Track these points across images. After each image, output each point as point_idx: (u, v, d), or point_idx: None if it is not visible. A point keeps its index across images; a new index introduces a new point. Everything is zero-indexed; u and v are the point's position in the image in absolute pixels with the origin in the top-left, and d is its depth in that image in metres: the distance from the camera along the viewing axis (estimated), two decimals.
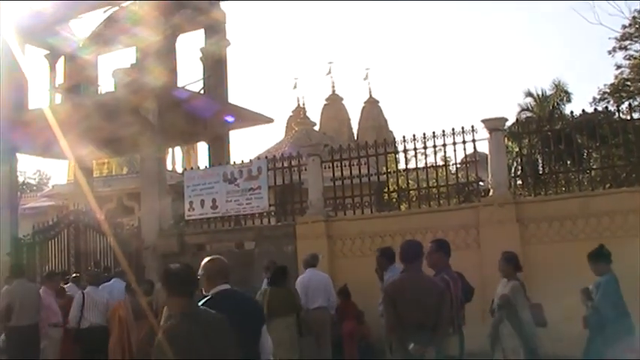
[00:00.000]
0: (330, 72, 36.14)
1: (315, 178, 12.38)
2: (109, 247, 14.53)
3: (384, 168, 12.56)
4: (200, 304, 4.33)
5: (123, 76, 15.54)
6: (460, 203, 11.88)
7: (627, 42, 24.60)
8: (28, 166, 70.44)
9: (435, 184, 12.11)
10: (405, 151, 12.06)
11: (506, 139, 12.53)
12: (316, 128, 33.70)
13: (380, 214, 12.37)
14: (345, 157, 12.45)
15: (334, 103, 35.78)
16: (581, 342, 7.06)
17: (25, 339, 9.06)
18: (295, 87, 37.02)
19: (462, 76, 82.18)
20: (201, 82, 17.05)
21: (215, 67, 17.33)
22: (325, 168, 12.63)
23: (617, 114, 11.66)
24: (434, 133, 11.68)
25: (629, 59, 24.69)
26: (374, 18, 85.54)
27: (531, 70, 74.48)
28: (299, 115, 34.51)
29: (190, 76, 19.34)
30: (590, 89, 63.11)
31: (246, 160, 13.62)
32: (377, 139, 14.01)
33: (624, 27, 24.19)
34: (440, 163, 13.38)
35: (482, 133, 11.17)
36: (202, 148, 23.22)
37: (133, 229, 15.20)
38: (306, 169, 12.68)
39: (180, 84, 15.86)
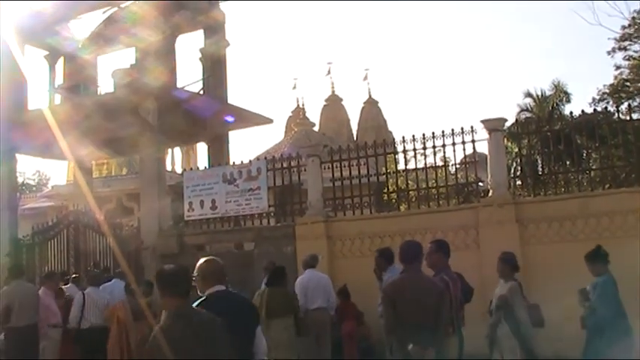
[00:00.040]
0: (329, 72, 36.20)
1: (314, 178, 12.38)
2: (108, 248, 14.54)
3: (384, 168, 12.56)
4: (195, 304, 4.35)
5: (122, 76, 15.54)
6: (459, 204, 11.89)
7: (626, 43, 24.64)
8: (28, 167, 70.48)
9: (435, 185, 12.11)
10: (405, 151, 12.06)
11: (505, 139, 12.53)
12: (316, 129, 33.72)
13: (379, 215, 12.36)
14: (345, 158, 12.45)
15: (334, 103, 35.79)
16: (581, 342, 7.06)
17: (23, 339, 9.05)
18: (295, 87, 37.02)
19: (461, 76, 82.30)
20: (201, 82, 17.05)
21: (214, 68, 17.33)
22: (325, 168, 12.63)
23: (616, 114, 11.66)
24: (433, 133, 11.69)
25: (628, 60, 24.73)
26: (373, 18, 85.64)
27: (531, 70, 74.59)
28: (298, 115, 34.52)
29: (190, 77, 19.38)
30: (589, 90, 63.18)
31: (246, 161, 13.62)
32: (376, 139, 14.00)
33: (623, 28, 24.24)
34: (439, 163, 13.39)
35: (482, 133, 11.18)
36: (202, 149, 23.23)
37: (133, 229, 15.20)
38: (305, 170, 12.68)
39: (179, 84, 15.86)
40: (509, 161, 15.08)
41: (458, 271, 6.47)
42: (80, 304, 9.79)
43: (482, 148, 11.53)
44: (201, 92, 16.79)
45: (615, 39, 24.54)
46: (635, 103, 23.06)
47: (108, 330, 9.69)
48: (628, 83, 24.65)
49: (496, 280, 7.10)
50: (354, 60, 77.82)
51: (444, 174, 11.92)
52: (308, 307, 9.17)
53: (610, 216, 9.84)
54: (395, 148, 12.61)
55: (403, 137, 12.03)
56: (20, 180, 37.12)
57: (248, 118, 17.33)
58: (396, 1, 78.57)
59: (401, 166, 12.62)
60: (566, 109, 23.12)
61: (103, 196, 21.94)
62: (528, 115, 24.54)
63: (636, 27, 24.11)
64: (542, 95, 25.09)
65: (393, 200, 12.67)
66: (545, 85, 26.04)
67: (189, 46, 32.04)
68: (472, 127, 11.35)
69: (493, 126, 10.98)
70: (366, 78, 36.03)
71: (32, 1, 16.98)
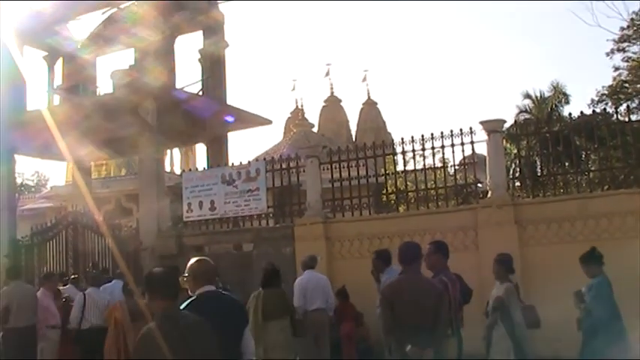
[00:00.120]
0: (328, 74, 36.15)
1: (313, 179, 12.38)
2: (107, 249, 14.54)
3: (383, 170, 12.57)
4: (185, 304, 4.43)
5: (122, 76, 15.55)
6: (458, 205, 11.88)
7: (625, 44, 24.67)
8: (27, 168, 70.42)
9: (434, 186, 12.12)
10: (404, 152, 12.07)
11: (504, 140, 12.53)
12: (315, 130, 33.70)
13: (378, 216, 12.38)
14: (344, 159, 12.45)
15: (333, 104, 35.76)
16: (580, 343, 7.07)
17: (22, 340, 9.05)
18: (294, 88, 36.96)
19: (460, 77, 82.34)
20: (200, 83, 17.06)
21: (214, 69, 17.33)
22: (324, 169, 12.64)
23: (615, 116, 11.67)
24: (432, 134, 11.71)
25: (627, 61, 24.77)
26: (372, 20, 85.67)
27: (529, 71, 74.61)
28: (297, 116, 34.50)
29: (189, 78, 19.35)
30: (588, 91, 63.14)
31: (245, 162, 13.62)
32: (375, 140, 14.01)
33: (622, 29, 24.27)
34: (438, 164, 13.41)
35: (481, 134, 11.19)
36: (201, 150, 23.23)
37: (132, 230, 15.19)
38: (304, 171, 12.68)
39: (179, 85, 15.88)
40: (508, 162, 15.08)
41: (457, 272, 6.48)
42: (81, 305, 9.80)
43: (481, 149, 11.56)
44: (201, 93, 16.79)
45: (614, 40, 24.60)
46: (634, 105, 23.11)
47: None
48: (627, 84, 24.68)
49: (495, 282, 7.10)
50: (353, 61, 77.86)
51: (442, 175, 11.93)
52: (307, 308, 9.17)
53: (609, 217, 9.85)
54: (394, 149, 12.62)
55: (402, 138, 12.05)
56: (19, 181, 37.10)
57: (247, 119, 17.34)
58: (395, 3, 78.67)
59: (400, 168, 12.64)
60: (565, 111, 23.14)
61: (102, 197, 21.93)
62: (527, 116, 24.55)
63: (635, 28, 24.14)
64: (541, 96, 25.11)
65: (392, 201, 12.67)
66: (544, 87, 26.10)
67: (189, 46, 32.07)
68: (471, 129, 11.37)
69: (492, 127, 10.99)
70: (365, 79, 35.99)
71: (32, 0, 17.00)
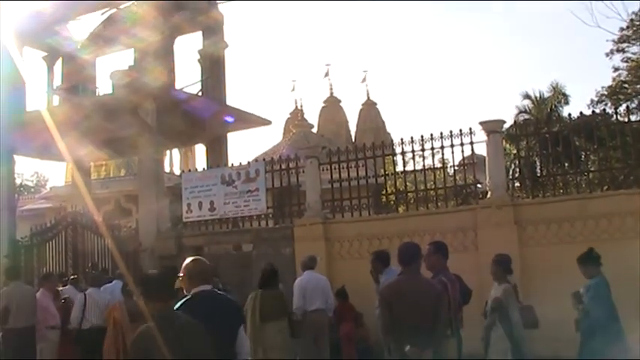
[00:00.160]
0: (327, 74, 36.19)
1: (312, 180, 12.38)
2: (106, 249, 14.53)
3: (382, 170, 12.56)
4: (180, 303, 4.47)
5: (121, 77, 15.56)
6: (458, 205, 11.87)
7: (625, 44, 24.69)
8: (26, 168, 70.47)
9: (433, 187, 12.11)
10: (403, 153, 12.07)
11: (504, 141, 12.53)
12: (314, 130, 33.71)
13: (378, 217, 12.37)
14: (343, 160, 12.44)
15: (332, 105, 35.77)
16: (579, 343, 7.07)
17: (21, 341, 9.04)
18: (293, 89, 37.14)
19: (459, 78, 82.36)
20: (200, 83, 17.07)
21: (213, 69, 17.34)
22: (323, 170, 12.63)
23: (614, 116, 11.67)
24: (432, 135, 11.71)
25: (626, 62, 24.78)
26: (372, 20, 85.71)
27: (529, 72, 74.67)
28: (297, 117, 34.52)
29: (189, 78, 19.38)
30: (587, 91, 63.20)
31: (244, 162, 13.62)
32: (375, 141, 14.01)
33: (622, 29, 24.28)
34: (438, 165, 13.39)
35: (480, 135, 11.18)
36: (200, 150, 23.24)
37: (131, 230, 15.20)
38: (303, 172, 12.67)
39: (178, 86, 15.88)
40: (508, 163, 15.08)
41: (456, 273, 6.47)
42: (81, 305, 9.80)
43: (481, 149, 11.56)
44: (200, 93, 16.81)
45: (613, 41, 24.62)
46: (634, 105, 23.11)
47: None
48: (626, 85, 24.69)
49: None
50: (353, 62, 77.92)
51: (442, 176, 11.93)
52: (306, 309, 9.16)
53: (608, 218, 9.85)
54: (393, 149, 12.61)
55: (402, 139, 12.06)
56: (19, 181, 37.11)
57: (247, 120, 17.35)
58: (395, 3, 78.67)
59: (399, 168, 12.63)
60: (565, 111, 23.24)
61: (102, 198, 21.94)
62: (527, 116, 24.60)
63: (634, 29, 24.15)
64: (540, 97, 25.15)
65: (392, 202, 12.67)
66: (544, 87, 26.18)
67: (188, 47, 32.14)
68: (470, 129, 11.36)
69: (491, 128, 10.99)
70: (364, 80, 36.04)
71: (32, 0, 17.00)
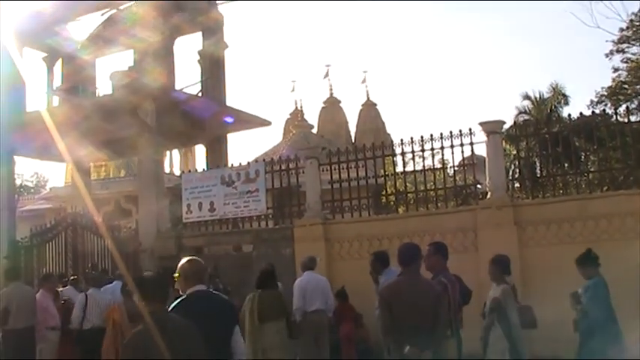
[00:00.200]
0: (327, 75, 36.13)
1: (312, 180, 12.38)
2: (106, 250, 14.53)
3: (382, 171, 12.56)
4: (175, 303, 4.55)
5: (121, 77, 15.57)
6: (458, 206, 11.87)
7: (624, 45, 24.69)
8: (26, 169, 70.45)
9: (433, 187, 12.11)
10: (403, 153, 12.08)
11: (503, 141, 12.54)
12: (314, 131, 33.68)
13: (378, 217, 12.38)
14: (343, 160, 12.44)
15: (332, 105, 35.75)
16: (578, 343, 7.08)
17: (21, 341, 9.04)
18: (293, 90, 37.06)
19: (459, 78, 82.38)
20: (199, 84, 17.07)
21: (213, 70, 17.34)
22: (323, 171, 12.63)
23: (614, 117, 11.67)
24: (432, 135, 11.71)
25: (626, 62, 24.77)
26: (372, 21, 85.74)
27: (529, 72, 74.68)
28: (297, 117, 34.50)
29: (188, 79, 19.40)
30: (587, 92, 63.18)
31: (244, 163, 13.62)
32: (375, 141, 14.01)
33: (621, 30, 24.29)
34: (438, 165, 13.39)
35: (480, 135, 11.18)
36: (200, 151, 23.25)
37: (131, 231, 15.20)
38: (303, 172, 12.68)
39: (178, 86, 15.89)
40: (508, 164, 15.09)
41: (456, 274, 6.47)
42: (82, 305, 9.84)
43: (481, 150, 11.57)
44: (200, 94, 16.81)
45: (613, 41, 24.63)
46: (634, 106, 23.12)
47: None
48: (626, 86, 24.68)
49: None
50: (353, 62, 77.96)
51: (442, 176, 11.93)
52: (306, 309, 9.16)
53: (608, 218, 9.85)
54: (393, 150, 12.62)
55: (401, 140, 12.07)
56: (18, 182, 37.10)
57: (246, 120, 17.35)
58: (395, 4, 78.70)
59: (399, 169, 12.63)
60: (565, 112, 23.27)
61: (101, 198, 21.94)
62: (526, 117, 24.62)
63: (634, 29, 24.16)
64: (540, 98, 25.15)
65: (392, 202, 12.67)
66: (544, 88, 26.12)
67: (188, 47, 32.12)
68: (470, 130, 11.37)
69: (491, 128, 10.99)
70: (364, 80, 36.00)
71: (31, 0, 17.01)
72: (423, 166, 13.10)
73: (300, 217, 12.48)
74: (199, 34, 17.39)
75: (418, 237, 10.09)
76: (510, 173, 14.92)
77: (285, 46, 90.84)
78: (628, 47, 24.73)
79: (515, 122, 22.54)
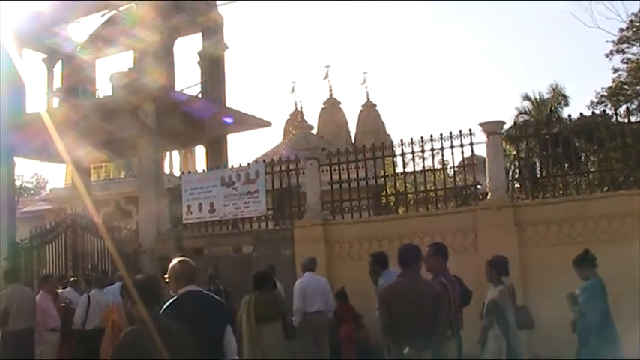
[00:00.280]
0: (327, 76, 36.07)
1: (312, 181, 12.38)
2: (106, 251, 14.53)
3: (382, 172, 12.56)
4: (167, 304, 4.59)
5: (121, 78, 15.57)
6: (458, 207, 11.87)
7: (624, 45, 24.70)
8: (26, 170, 70.31)
9: (433, 188, 12.11)
10: (403, 154, 12.08)
11: (503, 142, 12.54)
12: (314, 132, 33.66)
13: (378, 218, 12.37)
14: (343, 161, 12.44)
15: (332, 106, 35.72)
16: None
17: (21, 342, 9.05)
18: (293, 91, 37.04)
19: (459, 79, 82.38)
20: (199, 85, 17.08)
21: (213, 71, 17.35)
22: (323, 172, 12.63)
23: (614, 117, 11.69)
24: (431, 136, 11.71)
25: (626, 63, 24.79)
26: (371, 22, 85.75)
27: (529, 73, 74.62)
28: (297, 118, 34.47)
29: (188, 80, 19.41)
30: (587, 93, 63.24)
31: (244, 164, 13.63)
32: (374, 142, 14.00)
33: (621, 30, 24.30)
34: (437, 166, 13.38)
35: (480, 136, 11.18)
36: (200, 152, 23.25)
37: (131, 232, 15.21)
38: (303, 173, 12.67)
39: (178, 87, 15.89)
40: (508, 164, 15.09)
41: (456, 274, 6.47)
42: (85, 306, 9.88)
43: (481, 151, 11.56)
44: (200, 95, 16.82)
45: (613, 42, 24.65)
46: (634, 106, 23.13)
47: None
48: (626, 86, 24.69)
49: None
50: (353, 63, 77.94)
51: (442, 177, 11.92)
52: (306, 310, 9.17)
53: (608, 219, 9.85)
54: (393, 151, 12.61)
55: (401, 140, 12.05)
56: (18, 183, 36.98)
57: (246, 121, 17.35)
58: (395, 4, 78.74)
59: (399, 169, 12.63)
60: (565, 112, 23.27)
61: (101, 199, 21.92)
62: (526, 118, 24.62)
63: (634, 30, 24.17)
64: (540, 98, 25.15)
65: (392, 203, 12.67)
66: (544, 88, 26.08)
67: (188, 48, 32.09)
68: (470, 130, 11.36)
69: (491, 129, 10.99)
70: (364, 81, 35.97)
71: (31, 0, 17.02)
72: (423, 166, 13.10)
73: (300, 218, 12.48)
74: (199, 34, 17.40)
75: (418, 238, 10.09)
76: (510, 174, 14.93)
77: (285, 47, 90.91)
78: (628, 48, 24.75)
79: (515, 123, 22.56)
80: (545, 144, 13.33)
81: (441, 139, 11.56)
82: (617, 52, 24.87)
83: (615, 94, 24.51)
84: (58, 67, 18.58)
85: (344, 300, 10.30)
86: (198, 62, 17.55)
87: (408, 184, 12.15)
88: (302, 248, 11.68)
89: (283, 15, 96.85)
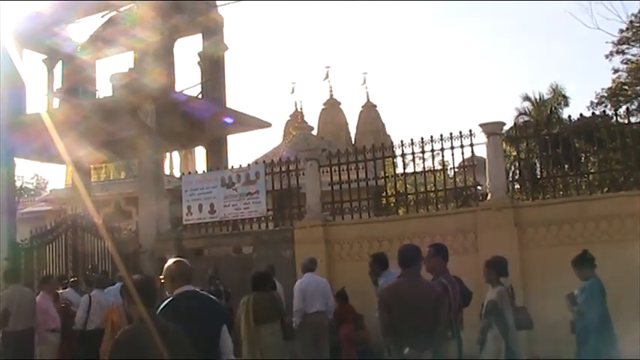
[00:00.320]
0: (327, 76, 36.06)
1: (312, 182, 12.38)
2: (106, 251, 14.53)
3: (382, 172, 12.56)
4: (163, 304, 4.59)
5: (121, 78, 15.57)
6: (458, 207, 11.87)
7: (624, 46, 24.71)
8: (26, 171, 70.37)
9: (433, 189, 12.11)
10: (403, 155, 12.09)
11: (503, 143, 12.53)
12: (314, 133, 33.65)
13: (378, 219, 12.36)
14: (343, 162, 12.44)
15: (332, 107, 35.71)
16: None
17: (20, 343, 9.04)
18: (293, 91, 36.86)
19: (459, 80, 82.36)
20: (199, 85, 17.08)
21: (213, 71, 17.35)
22: (323, 172, 12.63)
23: (614, 118, 11.69)
24: (432, 137, 11.71)
25: (626, 63, 24.79)
26: (372, 22, 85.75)
27: (529, 74, 74.59)
28: (297, 119, 34.46)
29: (188, 81, 19.42)
30: (587, 93, 63.23)
31: (244, 165, 13.63)
32: (375, 143, 14.00)
33: (621, 31, 24.31)
34: (438, 167, 13.37)
35: (480, 137, 11.19)
36: (200, 153, 23.26)
37: (131, 233, 15.21)
38: (303, 174, 12.67)
39: (178, 87, 15.89)
40: (508, 165, 15.08)
41: (456, 275, 6.47)
42: (86, 306, 9.90)
43: (481, 151, 11.57)
44: (200, 95, 16.81)
45: (613, 42, 24.66)
46: (634, 107, 23.13)
47: None
48: (626, 87, 24.70)
49: None
50: (353, 64, 77.91)
51: (442, 178, 11.92)
52: (307, 311, 9.17)
53: (608, 219, 9.85)
54: (393, 151, 12.61)
55: (401, 141, 12.06)
56: (19, 184, 36.96)
57: (246, 122, 17.35)
58: (395, 5, 78.75)
59: (399, 170, 12.63)
60: (565, 113, 23.26)
61: (102, 200, 21.92)
62: (527, 118, 24.62)
63: (634, 30, 24.18)
64: (540, 99, 25.16)
65: (392, 204, 12.67)
66: (544, 89, 26.11)
67: (188, 49, 32.07)
68: (470, 131, 11.37)
69: (491, 130, 10.99)
70: (364, 82, 35.96)
71: (31, 0, 17.02)
72: (424, 167, 13.11)
73: (301, 218, 12.48)
74: (199, 35, 17.41)
75: (418, 238, 10.08)
76: (510, 174, 14.92)
77: (285, 47, 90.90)
78: (628, 48, 24.75)
79: (515, 123, 22.54)
80: (546, 145, 13.34)
81: (441, 139, 11.57)
82: (617, 52, 24.88)
83: (615, 94, 24.52)
84: (58, 68, 18.58)
85: (344, 301, 10.30)
86: (199, 63, 17.55)
87: (408, 185, 12.16)
88: (302, 249, 11.68)
89: (283, 16, 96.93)
